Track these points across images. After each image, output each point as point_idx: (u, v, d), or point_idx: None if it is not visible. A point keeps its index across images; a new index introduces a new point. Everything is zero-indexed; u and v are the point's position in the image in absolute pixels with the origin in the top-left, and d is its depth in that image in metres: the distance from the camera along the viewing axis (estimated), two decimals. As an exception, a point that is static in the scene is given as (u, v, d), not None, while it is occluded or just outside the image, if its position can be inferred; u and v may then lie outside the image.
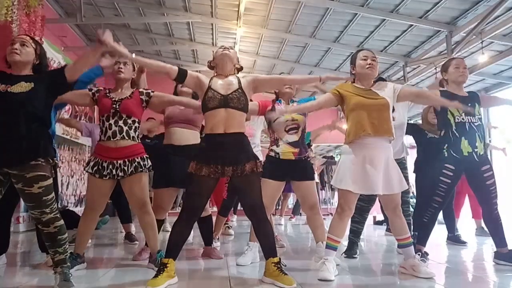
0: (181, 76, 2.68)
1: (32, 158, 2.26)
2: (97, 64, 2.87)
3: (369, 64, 2.81)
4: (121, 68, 2.97)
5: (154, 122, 4.90)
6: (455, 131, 3.17)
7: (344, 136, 2.90)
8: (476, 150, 3.13)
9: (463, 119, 3.15)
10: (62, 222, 2.37)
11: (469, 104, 3.16)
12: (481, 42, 6.23)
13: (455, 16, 6.25)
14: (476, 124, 3.16)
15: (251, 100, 2.85)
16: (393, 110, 2.94)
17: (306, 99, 3.39)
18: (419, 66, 8.08)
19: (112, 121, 2.85)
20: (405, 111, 3.95)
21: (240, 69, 2.83)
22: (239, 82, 2.68)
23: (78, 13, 6.79)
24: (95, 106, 3.01)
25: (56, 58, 7.00)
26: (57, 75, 2.40)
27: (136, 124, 2.94)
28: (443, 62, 3.38)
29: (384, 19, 6.56)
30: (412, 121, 4.49)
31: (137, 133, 2.95)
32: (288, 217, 8.61)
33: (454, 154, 3.14)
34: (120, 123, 2.86)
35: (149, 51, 9.65)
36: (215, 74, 2.76)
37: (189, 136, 3.37)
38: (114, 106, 2.87)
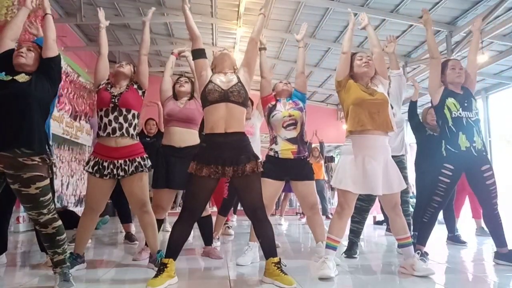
0: (199, 54, 2.78)
1: (28, 148, 2.26)
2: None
3: (365, 62, 2.86)
4: (122, 65, 3.08)
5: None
6: (451, 126, 3.17)
7: (343, 137, 2.91)
8: (474, 144, 3.13)
9: (460, 114, 3.16)
10: (60, 222, 2.37)
11: (466, 101, 3.18)
12: (481, 42, 6.22)
13: (455, 16, 6.25)
14: (473, 119, 3.17)
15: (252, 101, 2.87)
16: (391, 107, 2.97)
17: (296, 93, 3.40)
18: (419, 66, 8.08)
19: (111, 117, 2.86)
20: (398, 107, 3.95)
21: None
22: (238, 77, 2.73)
23: (78, 13, 6.80)
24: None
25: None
26: (41, 59, 2.50)
27: (136, 120, 2.95)
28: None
29: (384, 19, 6.56)
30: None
31: (136, 131, 2.96)
32: (290, 217, 8.59)
33: (452, 149, 3.14)
34: (120, 119, 2.87)
35: (149, 51, 9.62)
36: (215, 72, 2.78)
37: (188, 137, 3.37)
38: (113, 100, 2.88)
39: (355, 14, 6.38)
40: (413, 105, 4.40)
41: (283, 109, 3.29)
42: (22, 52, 2.47)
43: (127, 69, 3.06)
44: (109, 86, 2.99)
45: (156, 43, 9.08)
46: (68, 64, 7.46)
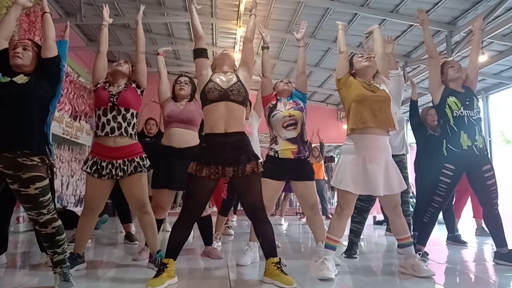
0: (200, 53, 2.79)
1: (26, 148, 2.26)
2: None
3: (367, 57, 2.88)
4: (120, 63, 3.05)
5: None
6: (453, 125, 3.17)
7: (343, 137, 2.91)
8: (476, 143, 3.13)
9: (461, 113, 3.16)
10: (59, 222, 2.37)
11: (467, 100, 3.18)
12: (481, 42, 6.22)
13: (455, 16, 6.25)
14: (474, 117, 3.17)
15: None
16: None
17: (297, 93, 3.40)
18: (419, 66, 8.08)
19: (110, 116, 2.85)
20: (398, 107, 3.95)
21: None
22: (238, 76, 2.73)
23: (78, 13, 6.79)
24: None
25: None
26: (40, 60, 2.48)
27: (135, 120, 2.94)
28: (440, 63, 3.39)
29: (384, 19, 6.55)
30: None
31: (134, 130, 2.95)
32: (290, 217, 8.58)
33: (454, 149, 3.14)
34: (119, 118, 2.85)
35: (149, 51, 9.56)
36: (215, 72, 2.79)
37: (188, 138, 3.37)
38: (112, 99, 2.87)
39: (355, 14, 6.49)
40: (414, 104, 4.40)
41: (284, 108, 3.28)
42: (18, 53, 2.43)
43: (125, 67, 3.04)
44: (107, 85, 2.97)
45: (156, 43, 9.06)
46: (68, 64, 7.44)
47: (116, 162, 2.83)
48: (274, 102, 3.34)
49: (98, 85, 2.96)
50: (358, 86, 2.80)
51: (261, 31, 3.51)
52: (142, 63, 3.03)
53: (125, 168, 2.84)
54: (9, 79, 2.36)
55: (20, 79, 2.37)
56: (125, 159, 2.85)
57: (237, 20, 7.18)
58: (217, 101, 2.61)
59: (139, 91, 3.01)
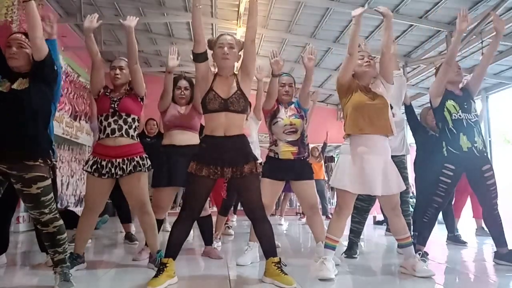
0: (200, 57, 2.63)
1: (32, 157, 2.27)
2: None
3: (367, 61, 2.82)
4: (118, 74, 2.98)
5: None
6: (452, 128, 3.18)
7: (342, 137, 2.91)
8: (475, 145, 3.14)
9: (460, 115, 3.17)
10: (61, 222, 2.38)
11: (465, 103, 3.19)
12: (481, 42, 6.22)
13: (455, 16, 6.21)
14: (473, 120, 3.18)
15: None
16: (391, 107, 2.95)
17: (299, 104, 3.38)
18: (419, 66, 8.08)
19: (111, 120, 2.87)
20: (398, 107, 3.94)
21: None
22: (238, 83, 2.67)
23: (78, 13, 6.80)
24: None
25: (56, 58, 7.00)
26: (33, 62, 2.40)
27: (136, 123, 2.95)
28: (438, 65, 3.37)
29: (384, 19, 6.55)
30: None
31: (136, 132, 2.96)
32: (290, 217, 8.58)
33: (454, 151, 3.15)
34: (120, 122, 2.87)
35: (149, 51, 9.65)
36: (216, 73, 2.73)
37: (189, 138, 3.37)
38: (113, 105, 2.88)
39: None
40: (409, 109, 4.33)
41: (285, 116, 3.26)
42: (14, 54, 2.40)
43: (123, 76, 2.98)
44: (108, 90, 2.98)
45: (156, 43, 9.08)
46: (68, 64, 7.45)
47: (116, 161, 2.84)
48: (275, 108, 3.32)
49: (102, 91, 2.97)
50: (357, 92, 2.78)
51: (271, 59, 3.33)
52: (138, 74, 2.92)
53: (124, 167, 2.84)
54: (9, 83, 2.34)
55: (20, 84, 2.35)
56: (125, 158, 2.85)
57: (237, 20, 7.18)
58: (217, 111, 2.59)
59: (139, 98, 3.00)
